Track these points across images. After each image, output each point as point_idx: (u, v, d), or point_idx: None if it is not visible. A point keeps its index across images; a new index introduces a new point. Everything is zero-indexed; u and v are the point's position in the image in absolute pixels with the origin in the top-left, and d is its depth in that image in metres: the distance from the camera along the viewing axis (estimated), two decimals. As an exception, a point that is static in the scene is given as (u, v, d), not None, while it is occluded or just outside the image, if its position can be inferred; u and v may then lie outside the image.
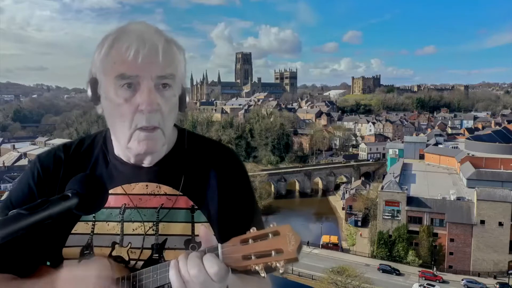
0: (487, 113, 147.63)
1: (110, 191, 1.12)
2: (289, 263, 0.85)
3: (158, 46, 1.06)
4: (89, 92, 1.12)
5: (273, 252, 0.84)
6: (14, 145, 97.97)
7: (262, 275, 0.86)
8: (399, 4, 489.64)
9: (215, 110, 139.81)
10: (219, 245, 0.91)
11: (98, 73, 1.10)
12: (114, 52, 1.06)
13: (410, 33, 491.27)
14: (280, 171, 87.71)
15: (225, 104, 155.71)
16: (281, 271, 0.86)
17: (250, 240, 0.88)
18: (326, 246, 51.95)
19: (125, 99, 1.05)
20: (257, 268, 0.86)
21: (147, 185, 1.18)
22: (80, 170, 1.15)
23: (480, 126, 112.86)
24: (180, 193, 1.18)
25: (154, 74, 1.05)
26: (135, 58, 1.03)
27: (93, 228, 1.15)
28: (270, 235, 0.87)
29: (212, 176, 1.20)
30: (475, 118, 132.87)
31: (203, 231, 0.97)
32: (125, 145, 1.11)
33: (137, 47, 1.03)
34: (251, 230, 0.90)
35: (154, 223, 1.15)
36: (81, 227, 1.15)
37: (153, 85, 1.06)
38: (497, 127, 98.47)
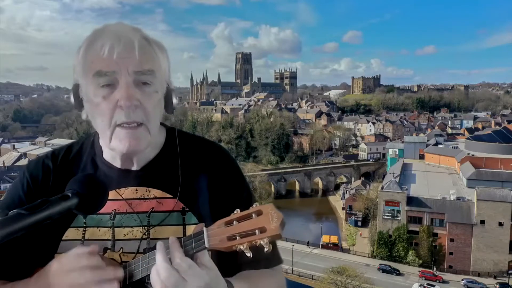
0: (487, 113, 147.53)
1: None
2: (273, 240, 0.88)
3: (134, 42, 1.06)
4: (72, 99, 1.12)
5: (257, 231, 0.87)
6: (14, 145, 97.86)
7: (248, 254, 0.88)
8: (399, 4, 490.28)
9: (215, 110, 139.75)
10: (204, 228, 0.93)
11: (78, 77, 1.10)
12: (90, 52, 1.06)
13: (410, 33, 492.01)
14: (280, 171, 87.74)
15: (225, 104, 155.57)
16: (266, 249, 0.87)
17: (234, 221, 0.90)
18: (326, 246, 51.94)
19: (104, 96, 1.05)
20: (242, 247, 0.88)
21: (136, 190, 1.17)
22: (69, 177, 1.11)
23: (480, 126, 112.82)
24: (171, 196, 1.16)
25: (131, 69, 1.04)
26: (110, 55, 1.03)
27: (84, 234, 1.14)
28: (253, 215, 0.89)
29: (203, 177, 1.19)
30: (475, 118, 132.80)
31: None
32: (108, 145, 1.10)
33: (111, 44, 1.03)
34: (235, 212, 0.92)
35: (145, 227, 1.14)
36: (72, 234, 1.14)
37: (132, 80, 1.05)
38: (497, 127, 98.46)
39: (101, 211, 1.10)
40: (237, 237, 0.89)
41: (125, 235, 1.14)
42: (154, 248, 1.10)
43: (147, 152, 1.18)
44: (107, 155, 1.19)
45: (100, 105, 1.05)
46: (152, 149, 1.19)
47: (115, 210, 1.15)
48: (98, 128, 1.11)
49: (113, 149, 1.12)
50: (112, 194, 1.14)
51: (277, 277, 1.22)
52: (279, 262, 1.25)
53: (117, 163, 1.18)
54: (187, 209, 1.16)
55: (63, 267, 0.95)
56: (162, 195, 1.16)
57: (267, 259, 1.17)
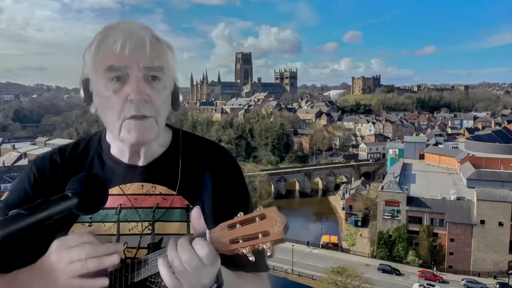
0: (487, 113, 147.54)
1: None
2: (275, 244, 0.87)
3: (145, 38, 1.09)
4: (82, 93, 1.14)
5: (260, 235, 0.86)
6: (14, 145, 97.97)
7: (251, 258, 0.88)
8: (399, 4, 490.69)
9: (215, 110, 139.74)
10: (207, 230, 0.93)
11: (89, 71, 1.12)
12: (102, 48, 1.08)
13: (410, 33, 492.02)
14: (280, 171, 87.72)
15: (225, 104, 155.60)
16: (268, 253, 0.87)
17: (237, 224, 0.90)
18: (326, 246, 51.94)
19: (114, 90, 1.07)
20: (244, 251, 0.88)
21: (142, 185, 1.19)
22: (77, 172, 1.15)
23: (480, 126, 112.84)
24: (175, 193, 1.18)
25: (142, 64, 1.07)
26: (122, 50, 1.06)
27: None
28: (256, 218, 0.88)
29: (207, 176, 1.22)
30: (475, 118, 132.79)
31: (195, 213, 0.97)
32: (117, 137, 1.12)
33: (124, 40, 1.06)
34: (238, 215, 0.92)
35: (150, 222, 1.16)
36: (77, 228, 1.15)
37: (142, 76, 1.07)
38: (497, 127, 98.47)
39: (107, 205, 1.12)
40: (240, 241, 0.88)
41: (130, 229, 1.16)
42: (158, 243, 1.14)
43: (154, 149, 1.20)
44: (115, 150, 1.21)
45: (111, 98, 1.07)
46: (158, 146, 1.22)
47: (120, 205, 1.17)
48: (108, 121, 1.12)
49: (122, 141, 1.13)
50: (118, 189, 1.18)
51: (262, 284, 1.23)
52: (266, 269, 1.26)
53: (125, 158, 1.19)
54: (191, 206, 1.18)
55: (64, 244, 0.96)
56: (167, 192, 1.18)
57: (254, 264, 1.13)
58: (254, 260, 0.88)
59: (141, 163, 1.19)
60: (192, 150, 1.26)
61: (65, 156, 1.24)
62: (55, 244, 0.97)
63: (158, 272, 0.95)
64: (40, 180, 1.18)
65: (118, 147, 1.20)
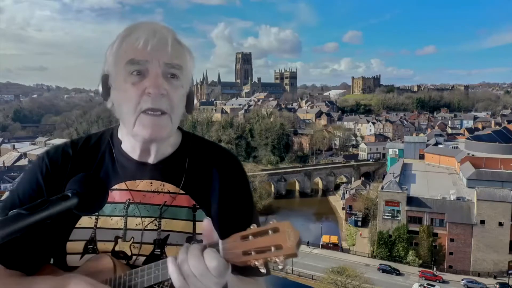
0: (487, 113, 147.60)
1: (115, 187, 1.19)
2: (288, 259, 0.87)
3: (168, 37, 1.12)
4: (100, 88, 1.16)
5: (272, 248, 0.86)
6: (14, 145, 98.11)
7: (262, 270, 0.88)
8: (399, 4, 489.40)
9: (215, 110, 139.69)
10: (220, 241, 0.92)
11: (110, 66, 1.14)
12: (125, 44, 1.12)
13: (410, 33, 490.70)
14: (280, 171, 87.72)
15: (225, 104, 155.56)
16: (280, 267, 0.87)
17: (250, 236, 0.89)
18: (326, 246, 51.95)
19: (133, 83, 1.09)
20: (257, 263, 0.88)
21: (151, 183, 1.21)
22: (87, 165, 1.19)
23: (480, 126, 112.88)
24: (183, 192, 1.21)
25: (162, 60, 1.10)
26: (145, 46, 1.09)
27: (96, 222, 1.17)
28: (270, 231, 0.88)
29: (215, 177, 1.23)
30: (475, 118, 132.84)
31: (206, 225, 0.96)
32: (131, 131, 1.13)
33: (146, 37, 1.10)
34: (251, 227, 0.91)
35: (157, 219, 1.18)
36: (85, 221, 1.17)
37: (161, 72, 1.10)
38: (497, 127, 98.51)
39: (116, 200, 1.17)
40: (253, 253, 0.88)
41: (136, 225, 1.17)
42: (164, 240, 1.16)
43: (164, 148, 1.22)
44: (127, 146, 1.22)
45: (128, 91, 1.10)
46: (169, 146, 1.24)
47: (129, 200, 1.19)
48: (123, 114, 1.14)
49: (135, 135, 1.15)
50: (127, 185, 1.20)
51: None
52: (267, 274, 1.23)
53: (135, 155, 1.21)
54: (198, 206, 1.21)
55: (86, 281, 0.99)
56: (176, 190, 1.21)
57: (256, 269, 1.17)
58: (265, 272, 0.90)
59: (151, 160, 1.21)
60: (201, 153, 1.27)
61: (77, 148, 1.25)
62: (79, 277, 0.99)
63: (168, 278, 0.95)
64: (52, 170, 1.20)
65: (130, 143, 1.21)
